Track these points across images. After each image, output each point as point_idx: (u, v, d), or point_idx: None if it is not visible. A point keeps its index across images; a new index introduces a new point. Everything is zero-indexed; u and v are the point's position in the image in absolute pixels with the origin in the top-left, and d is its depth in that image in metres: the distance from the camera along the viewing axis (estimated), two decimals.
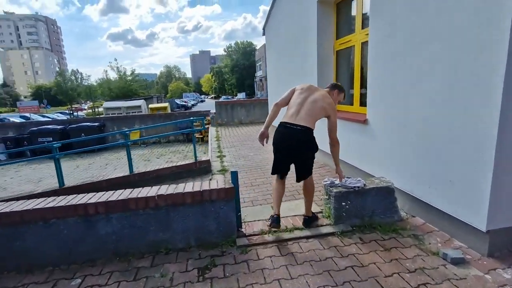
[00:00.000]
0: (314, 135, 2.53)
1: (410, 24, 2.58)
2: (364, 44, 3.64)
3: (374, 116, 3.27)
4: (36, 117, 27.18)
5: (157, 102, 20.45)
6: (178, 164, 4.94)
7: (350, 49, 4.13)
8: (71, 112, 28.13)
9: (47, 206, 2.18)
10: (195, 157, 5.00)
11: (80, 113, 32.22)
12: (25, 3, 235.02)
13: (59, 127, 11.33)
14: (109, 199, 2.23)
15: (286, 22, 6.66)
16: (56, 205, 2.17)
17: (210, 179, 4.61)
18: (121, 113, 16.24)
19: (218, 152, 6.64)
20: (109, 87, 28.01)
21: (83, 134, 11.33)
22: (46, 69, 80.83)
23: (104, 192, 2.43)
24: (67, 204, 2.17)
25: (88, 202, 2.20)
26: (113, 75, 30.41)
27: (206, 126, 11.69)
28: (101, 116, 18.52)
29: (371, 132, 3.34)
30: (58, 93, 32.08)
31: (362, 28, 3.74)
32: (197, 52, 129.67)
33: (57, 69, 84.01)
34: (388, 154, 3.04)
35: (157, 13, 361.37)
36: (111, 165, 9.38)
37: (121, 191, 2.41)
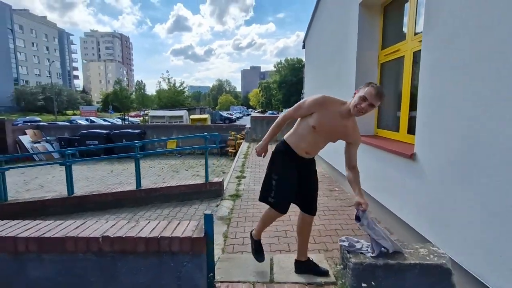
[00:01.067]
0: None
1: (480, 23, 1.69)
2: (417, 54, 2.75)
3: (426, 149, 2.33)
4: (99, 121, 30.42)
5: (200, 113, 21.11)
6: (188, 183, 4.47)
7: (399, 60, 3.24)
8: (123, 118, 30.76)
9: None
10: (206, 177, 4.47)
11: (135, 119, 35.24)
12: (108, 23, 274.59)
13: (104, 132, 12.08)
14: (44, 235, 1.75)
15: (323, 32, 5.95)
16: None
17: (217, 205, 4.01)
18: (165, 122, 16.93)
19: (240, 172, 6.05)
20: (159, 97, 30.21)
21: (124, 140, 11.88)
22: (120, 79, 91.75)
23: (41, 221, 1.98)
24: None
25: (18, 235, 1.75)
26: (164, 86, 32.99)
27: (240, 141, 11.31)
28: (144, 124, 19.69)
29: (420, 172, 2.39)
30: (114, 100, 35.79)
31: (415, 34, 2.86)
32: (248, 68, 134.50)
33: (125, 79, 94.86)
34: (447, 210, 2.07)
35: (216, 31, 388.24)
36: (142, 173, 9.48)
37: (61, 223, 1.92)
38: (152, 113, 19.72)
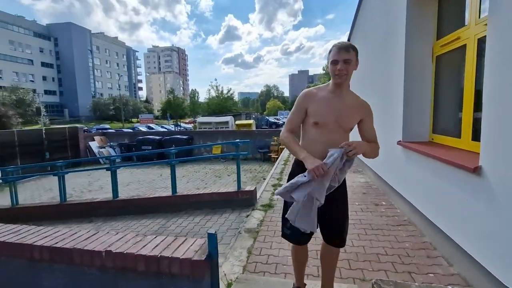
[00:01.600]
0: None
1: None
2: (483, 41, 2.18)
3: (495, 161, 1.79)
4: (157, 127, 33.30)
5: (245, 119, 21.46)
6: (219, 191, 4.39)
7: (459, 51, 2.64)
8: (176, 124, 33.04)
9: None
10: (238, 185, 4.33)
11: (188, 125, 37.67)
12: (168, 38, 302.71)
13: (157, 138, 13.02)
14: (56, 245, 1.77)
15: (367, 26, 5.35)
16: (7, 240, 1.87)
17: (248, 215, 3.82)
18: (212, 128, 17.59)
19: (277, 179, 5.80)
20: (208, 104, 31.82)
21: (173, 145, 12.63)
22: (174, 88, 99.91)
23: (58, 229, 2.01)
24: (16, 242, 1.83)
25: (35, 243, 1.80)
26: (213, 94, 34.73)
27: (282, 147, 11.03)
28: (194, 130, 20.75)
29: (488, 191, 1.84)
30: (167, 108, 38.83)
31: (479, 17, 2.28)
32: (296, 72, 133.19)
33: (182, 88, 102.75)
34: None
35: (265, 38, 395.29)
36: (187, 177, 9.88)
37: (75, 232, 1.93)
38: (200, 119, 20.72)
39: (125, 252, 1.65)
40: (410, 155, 3.25)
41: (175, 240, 1.80)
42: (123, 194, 7.86)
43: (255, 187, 4.44)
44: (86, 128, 30.64)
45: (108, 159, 4.99)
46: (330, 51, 1.57)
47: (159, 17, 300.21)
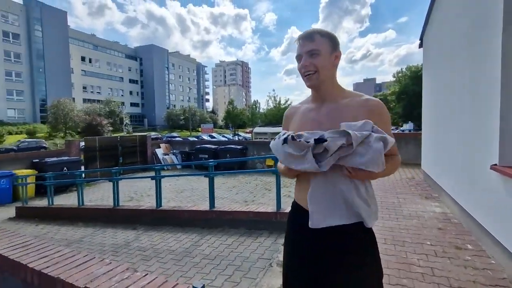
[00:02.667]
0: None
1: None
2: None
3: None
4: (218, 137, 35.10)
5: None
6: (257, 210, 3.97)
7: None
8: (234, 134, 34.15)
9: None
10: (278, 205, 3.85)
11: (248, 135, 38.74)
12: (234, 53, 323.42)
13: (213, 147, 13.42)
14: (44, 270, 1.60)
15: (445, 18, 4.31)
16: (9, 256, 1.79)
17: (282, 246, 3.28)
18: (267, 138, 17.43)
19: None
20: (265, 114, 32.04)
21: (228, 155, 12.81)
22: (236, 100, 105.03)
23: (58, 249, 1.86)
24: (15, 259, 1.74)
25: (28, 264, 1.67)
26: (270, 104, 34.92)
27: None
28: (247, 140, 20.96)
29: None
30: (227, 118, 40.46)
31: None
32: (361, 81, 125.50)
33: (244, 100, 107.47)
34: None
35: None
36: (237, 188, 9.76)
37: (73, 255, 1.74)
38: (256, 129, 20.86)
39: None
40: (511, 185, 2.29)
41: (163, 284, 1.45)
42: (174, 201, 8.16)
43: None
44: (156, 135, 34.54)
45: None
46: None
47: (226, 34, 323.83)
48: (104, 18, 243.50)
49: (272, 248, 3.25)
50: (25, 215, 6.53)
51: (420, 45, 6.23)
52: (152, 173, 12.63)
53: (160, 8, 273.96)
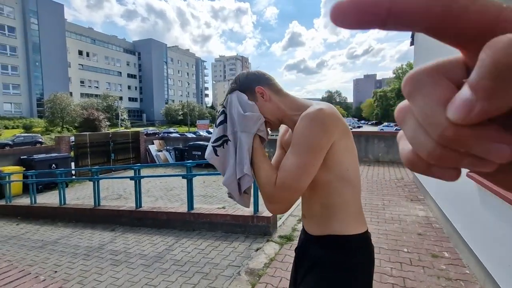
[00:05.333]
0: None
1: None
2: None
3: None
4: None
5: None
6: (234, 213, 3.86)
7: None
8: None
9: None
10: (255, 208, 3.74)
11: None
12: (234, 48, 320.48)
13: (206, 143, 13.28)
14: None
15: None
16: None
17: (258, 249, 3.20)
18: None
19: None
20: None
21: None
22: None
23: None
24: None
25: None
26: None
27: None
28: None
29: None
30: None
31: None
32: (362, 77, 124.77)
33: None
34: None
35: (329, 42, 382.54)
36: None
37: (9, 270, 1.61)
38: None
39: None
40: (487, 197, 2.17)
41: None
42: (162, 200, 8.06)
43: (291, 210, 3.77)
44: (154, 130, 34.30)
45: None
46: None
47: (227, 28, 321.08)
48: (103, 10, 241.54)
49: (244, 254, 3.15)
50: (7, 213, 6.43)
51: (412, 43, 6.06)
52: (149, 171, 12.47)
53: (160, 1, 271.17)
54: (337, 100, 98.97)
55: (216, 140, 0.97)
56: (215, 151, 0.97)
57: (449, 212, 3.24)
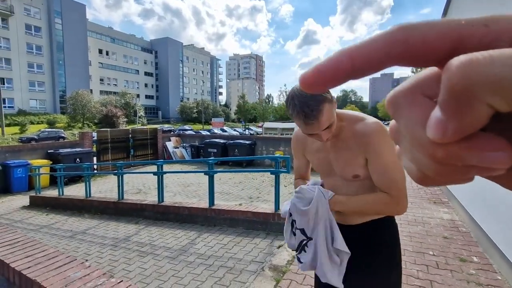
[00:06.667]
0: None
1: None
2: None
3: None
4: (230, 130, 35.19)
5: None
6: (255, 210, 3.91)
7: None
8: (245, 128, 34.07)
9: None
10: (276, 206, 3.77)
11: (259, 129, 38.66)
12: (249, 46, 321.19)
13: (222, 141, 13.44)
14: (24, 271, 1.61)
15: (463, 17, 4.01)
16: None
17: (280, 246, 3.24)
18: (277, 134, 17.31)
19: None
20: (276, 109, 31.70)
21: (236, 150, 12.81)
22: (249, 94, 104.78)
23: (45, 248, 1.87)
24: (0, 258, 1.76)
25: (11, 263, 1.69)
26: (282, 100, 34.45)
27: None
28: (256, 135, 20.93)
29: None
30: (238, 113, 40.41)
31: None
32: (379, 76, 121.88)
33: (257, 94, 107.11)
34: None
35: (345, 40, 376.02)
36: (243, 183, 9.75)
37: (57, 255, 1.73)
38: (267, 124, 20.76)
39: None
40: None
41: None
42: (180, 195, 8.25)
43: None
44: (169, 127, 34.96)
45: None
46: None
47: (241, 26, 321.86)
48: (121, 10, 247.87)
49: (266, 251, 3.20)
50: (38, 204, 6.78)
51: None
52: (166, 167, 12.74)
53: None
54: (352, 99, 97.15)
55: (297, 249, 1.11)
56: (299, 259, 1.10)
57: (479, 216, 3.15)
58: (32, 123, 33.56)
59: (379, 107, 77.40)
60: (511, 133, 0.13)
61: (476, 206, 3.30)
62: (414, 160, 0.16)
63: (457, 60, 0.12)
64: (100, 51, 52.66)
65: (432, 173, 0.15)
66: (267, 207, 4.22)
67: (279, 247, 3.24)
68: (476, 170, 0.14)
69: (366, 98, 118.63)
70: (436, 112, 0.13)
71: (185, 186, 9.47)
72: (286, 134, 17.01)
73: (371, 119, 0.98)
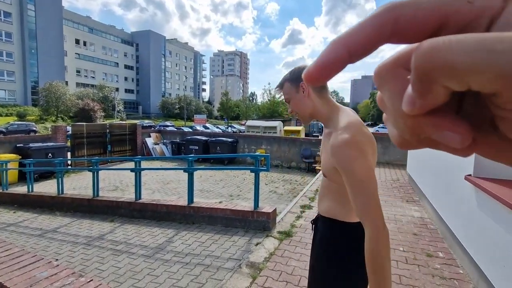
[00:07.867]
0: None
1: None
2: None
3: None
4: (212, 127, 34.84)
5: (296, 125, 20.63)
6: (234, 208, 3.92)
7: None
8: (228, 126, 33.96)
9: None
10: (255, 204, 3.80)
11: (242, 127, 38.57)
12: (233, 43, 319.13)
13: (203, 138, 13.29)
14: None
15: None
16: None
17: (258, 243, 3.27)
18: (259, 132, 17.34)
19: (310, 199, 5.06)
20: (259, 107, 31.84)
21: (218, 147, 12.72)
22: (233, 91, 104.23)
23: (8, 247, 1.77)
24: None
25: None
26: (265, 98, 34.68)
27: None
28: (238, 133, 20.93)
29: None
30: (221, 110, 40.25)
31: None
32: (360, 77, 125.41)
33: (241, 91, 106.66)
34: None
35: (329, 41, 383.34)
36: (224, 181, 9.72)
37: (22, 254, 1.65)
38: (249, 122, 20.73)
39: None
40: (484, 199, 2.26)
41: None
42: (159, 193, 8.08)
43: (275, 208, 3.84)
44: (149, 123, 34.09)
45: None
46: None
47: (227, 23, 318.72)
48: None
49: (244, 248, 3.22)
50: (4, 201, 6.39)
51: None
52: (146, 164, 12.40)
53: None
54: (334, 100, 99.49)
55: None
56: None
57: (444, 214, 3.34)
58: (0, 115, 31.48)
59: (360, 108, 79.63)
60: (486, 121, 0.15)
61: (442, 204, 3.50)
62: (396, 125, 0.18)
63: (423, 44, 0.13)
64: (77, 41, 50.17)
65: (409, 138, 0.17)
66: (247, 205, 4.24)
67: (257, 244, 3.26)
68: (441, 144, 0.16)
69: (347, 99, 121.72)
70: (409, 88, 0.15)
71: (165, 184, 9.29)
72: (268, 132, 17.08)
73: (347, 131, 0.92)
